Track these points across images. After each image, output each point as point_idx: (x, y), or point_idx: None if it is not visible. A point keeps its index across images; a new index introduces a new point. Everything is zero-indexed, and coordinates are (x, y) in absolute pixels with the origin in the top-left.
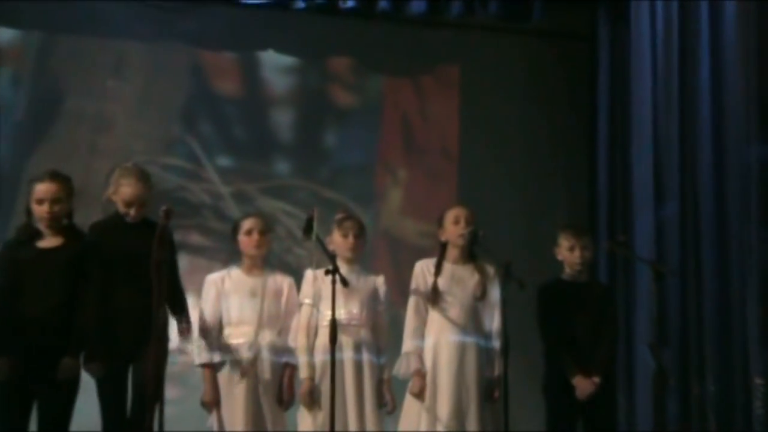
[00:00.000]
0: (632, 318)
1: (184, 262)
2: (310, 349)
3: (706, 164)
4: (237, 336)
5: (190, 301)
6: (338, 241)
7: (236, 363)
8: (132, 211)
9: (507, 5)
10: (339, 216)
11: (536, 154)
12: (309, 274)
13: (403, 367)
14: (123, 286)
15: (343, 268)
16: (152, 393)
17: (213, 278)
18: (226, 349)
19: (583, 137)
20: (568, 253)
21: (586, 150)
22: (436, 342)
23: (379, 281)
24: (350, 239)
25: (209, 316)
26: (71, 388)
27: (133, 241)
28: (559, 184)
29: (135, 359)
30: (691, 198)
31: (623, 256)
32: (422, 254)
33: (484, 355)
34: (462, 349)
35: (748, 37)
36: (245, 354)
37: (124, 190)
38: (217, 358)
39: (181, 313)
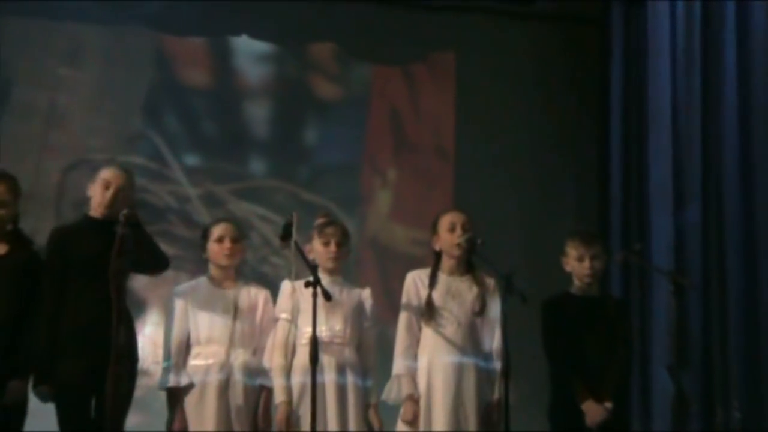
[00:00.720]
0: (649, 336)
1: None
2: (288, 371)
3: (731, 163)
4: (206, 356)
5: (154, 317)
6: (319, 250)
7: (206, 386)
8: (108, 197)
9: None
10: (320, 221)
11: (541, 153)
12: (286, 286)
13: (393, 392)
14: (88, 299)
15: (325, 280)
16: (113, 425)
17: (180, 291)
18: (194, 370)
19: (594, 133)
20: (576, 263)
21: (597, 148)
22: (430, 363)
23: (365, 294)
24: (332, 247)
25: (175, 333)
26: (18, 413)
27: (102, 247)
28: (566, 186)
29: (99, 382)
30: (714, 201)
31: (638, 267)
32: (414, 264)
33: (484, 377)
34: (459, 371)
35: None
36: (216, 376)
37: (105, 176)
38: (184, 380)
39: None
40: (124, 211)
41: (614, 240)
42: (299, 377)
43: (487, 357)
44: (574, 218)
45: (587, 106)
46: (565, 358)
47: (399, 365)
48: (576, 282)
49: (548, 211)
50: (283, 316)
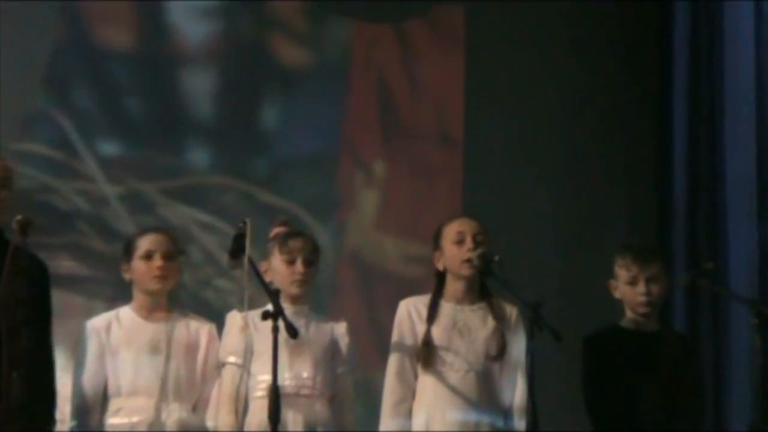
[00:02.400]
0: (724, 384)
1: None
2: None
3: None
4: (130, 412)
5: (60, 360)
6: (281, 270)
7: None
8: None
9: None
10: (280, 230)
11: (580, 144)
12: (236, 319)
13: None
14: None
15: (289, 310)
16: None
17: (94, 326)
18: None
19: (651, 120)
20: (628, 288)
21: (656, 139)
22: (429, 421)
23: (341, 330)
24: (299, 266)
25: (87, 382)
26: None
27: None
28: (613, 187)
29: None
30: None
31: (710, 293)
32: (409, 289)
33: None
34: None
35: None
36: None
37: None
38: None
39: (46, 386)
40: (19, 217)
41: (678, 258)
42: None
43: (507, 415)
44: (624, 229)
45: (642, 85)
46: (612, 415)
47: (388, 424)
48: (628, 313)
49: (589, 220)
50: (232, 359)
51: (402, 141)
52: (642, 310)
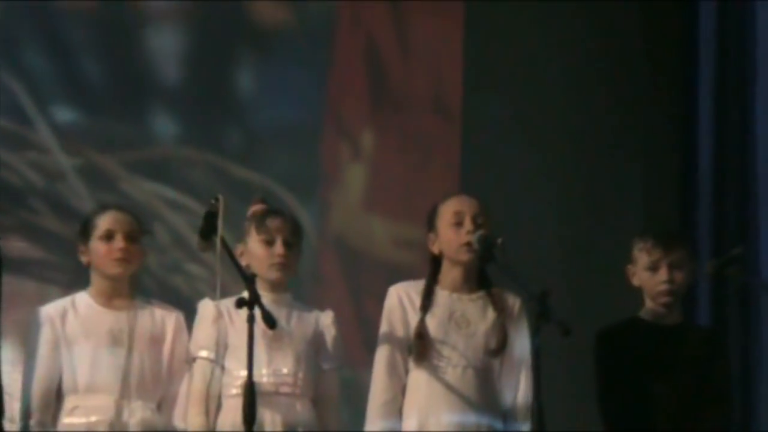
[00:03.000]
0: (753, 384)
1: None
2: None
3: None
4: (87, 411)
5: (9, 353)
6: (258, 253)
7: None
8: None
9: None
10: (257, 209)
11: (592, 116)
12: (208, 308)
13: None
14: None
15: (267, 298)
16: None
17: (47, 314)
18: None
19: (673, 89)
20: (648, 274)
21: (678, 110)
22: (421, 423)
23: (326, 321)
24: (278, 248)
25: (39, 378)
26: None
27: None
28: (631, 164)
29: None
30: None
31: (739, 282)
32: (400, 277)
33: None
34: None
35: None
36: None
37: None
38: None
39: None
40: None
41: (703, 243)
42: None
43: (508, 416)
44: (642, 211)
45: (663, 51)
46: (628, 419)
47: (376, 427)
48: (648, 303)
49: (603, 201)
50: (203, 354)
51: (393, 111)
52: (663, 299)
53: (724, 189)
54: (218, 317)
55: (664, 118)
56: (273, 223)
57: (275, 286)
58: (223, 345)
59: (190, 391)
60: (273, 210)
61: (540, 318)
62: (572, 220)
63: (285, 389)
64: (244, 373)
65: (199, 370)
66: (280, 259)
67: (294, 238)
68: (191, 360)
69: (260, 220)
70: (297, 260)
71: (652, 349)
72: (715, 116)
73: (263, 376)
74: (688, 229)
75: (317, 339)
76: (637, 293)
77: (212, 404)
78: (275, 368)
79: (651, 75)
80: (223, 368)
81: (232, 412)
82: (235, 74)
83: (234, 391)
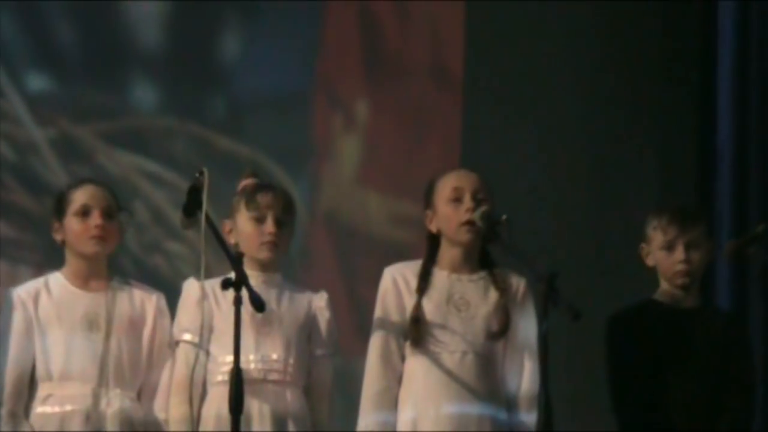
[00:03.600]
0: None
1: None
2: (193, 425)
3: None
4: (62, 400)
5: None
6: (247, 230)
7: None
8: None
9: None
10: (247, 184)
11: (604, 85)
12: (192, 288)
13: None
14: None
15: (256, 279)
16: None
17: (19, 296)
18: (42, 423)
19: (692, 55)
20: (664, 254)
21: (697, 76)
22: (419, 414)
23: (320, 303)
24: (269, 226)
25: (11, 365)
26: None
27: None
28: (645, 136)
29: None
30: None
31: (761, 263)
32: (396, 257)
33: None
34: (465, 427)
35: None
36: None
37: None
38: None
39: None
40: None
41: (723, 221)
42: None
43: (512, 406)
44: (657, 186)
45: (681, 16)
46: (642, 408)
47: (368, 419)
48: (663, 285)
49: (616, 176)
50: (187, 337)
51: (389, 79)
52: (680, 280)
53: (745, 164)
54: (203, 299)
55: (682, 88)
56: (264, 198)
57: (265, 266)
58: (208, 328)
59: (172, 378)
60: (264, 185)
61: (548, 301)
62: (581, 197)
63: (274, 377)
64: (230, 358)
65: (182, 355)
66: (271, 238)
67: (286, 216)
68: (174, 344)
69: (250, 195)
70: (289, 239)
71: (668, 334)
72: (736, 88)
73: (251, 362)
74: (707, 206)
75: (310, 323)
76: (651, 274)
77: (196, 393)
78: (264, 354)
79: (669, 45)
80: (207, 353)
81: (216, 401)
82: (220, 39)
83: (219, 378)
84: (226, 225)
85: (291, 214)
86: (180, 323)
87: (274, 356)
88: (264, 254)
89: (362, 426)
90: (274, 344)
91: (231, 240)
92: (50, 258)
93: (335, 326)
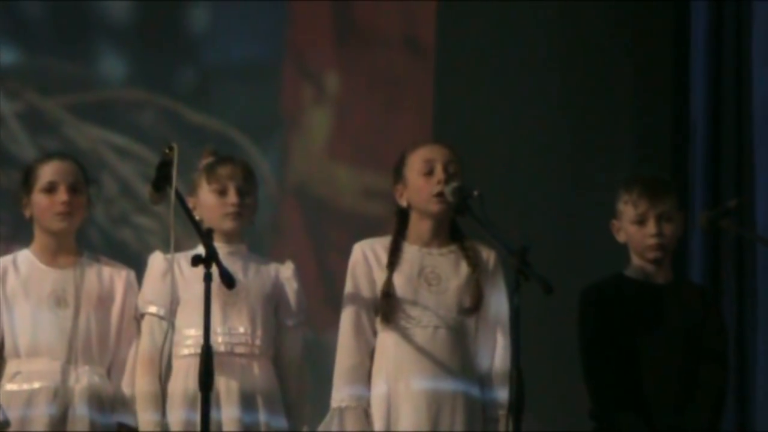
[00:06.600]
0: (750, 344)
1: None
2: (160, 400)
3: None
4: (29, 377)
5: None
6: (210, 202)
7: (28, 424)
8: None
9: None
10: (210, 157)
11: (578, 53)
12: (157, 261)
13: None
14: None
15: (221, 249)
16: None
17: None
18: (9, 400)
19: (665, 23)
20: (635, 228)
21: (670, 45)
22: (391, 389)
23: (286, 273)
24: (231, 196)
25: None
26: None
27: None
28: (618, 106)
29: None
30: None
31: (734, 236)
32: (367, 231)
33: (478, 412)
34: (437, 403)
35: None
36: (44, 409)
37: None
38: None
39: None
40: None
41: (696, 193)
42: (179, 412)
43: (484, 381)
44: (630, 159)
45: None
46: (615, 383)
47: (341, 393)
48: (635, 259)
49: (589, 148)
50: (152, 309)
51: (360, 48)
52: (652, 254)
53: (718, 135)
54: (168, 273)
55: (657, 58)
56: (224, 170)
57: (230, 237)
58: (175, 301)
59: (138, 354)
60: (223, 157)
61: (520, 275)
62: (555, 169)
63: (241, 350)
64: (194, 331)
65: (147, 328)
66: (234, 208)
67: (248, 185)
68: (140, 316)
69: (210, 168)
70: (253, 209)
71: (641, 308)
72: (710, 56)
73: (218, 335)
74: (679, 177)
75: (277, 293)
76: (623, 249)
77: (162, 367)
78: (230, 326)
79: (643, 19)
80: (173, 328)
81: (183, 376)
82: (188, 9)
83: (185, 351)
84: (191, 201)
85: (252, 183)
86: (144, 295)
87: (241, 329)
88: (228, 224)
89: (337, 400)
90: (240, 317)
91: (196, 214)
92: (18, 233)
93: (303, 296)
